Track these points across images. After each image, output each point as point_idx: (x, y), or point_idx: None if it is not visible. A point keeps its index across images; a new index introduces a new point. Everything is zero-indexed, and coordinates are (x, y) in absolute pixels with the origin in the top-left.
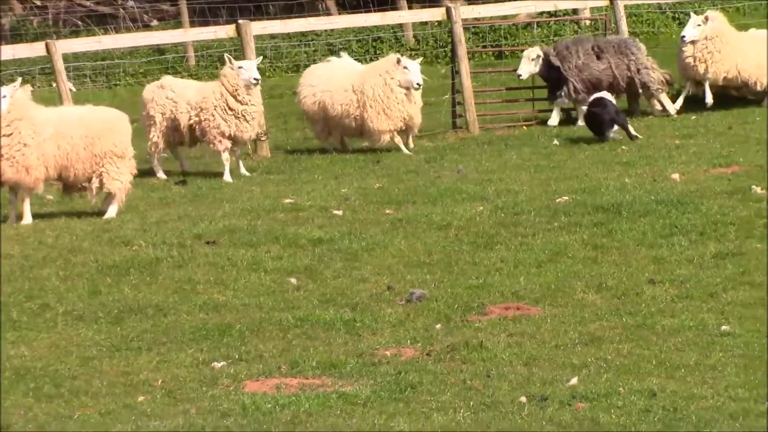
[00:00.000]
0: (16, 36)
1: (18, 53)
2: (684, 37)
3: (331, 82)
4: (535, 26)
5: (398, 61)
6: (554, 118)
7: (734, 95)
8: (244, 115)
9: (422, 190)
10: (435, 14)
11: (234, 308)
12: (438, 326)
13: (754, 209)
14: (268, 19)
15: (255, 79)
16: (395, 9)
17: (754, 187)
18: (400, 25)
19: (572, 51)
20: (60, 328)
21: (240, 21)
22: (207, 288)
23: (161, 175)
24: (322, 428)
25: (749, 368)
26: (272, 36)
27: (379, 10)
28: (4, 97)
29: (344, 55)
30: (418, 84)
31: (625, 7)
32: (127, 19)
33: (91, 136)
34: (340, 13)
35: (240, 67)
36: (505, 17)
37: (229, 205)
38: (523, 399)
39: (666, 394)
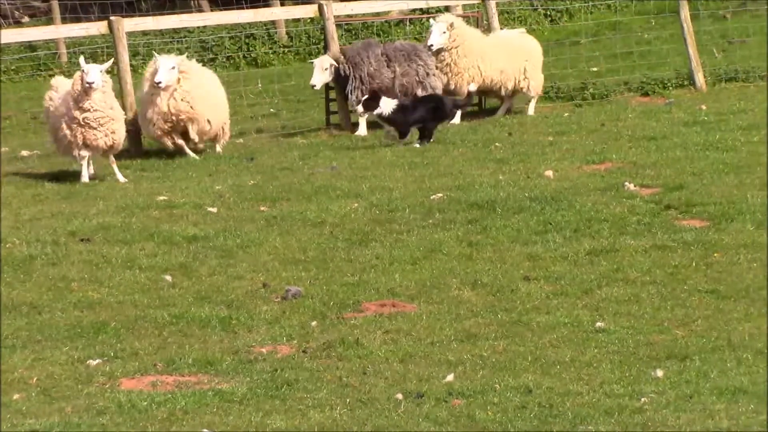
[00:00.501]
0: None
1: None
2: (431, 45)
3: None
4: (408, 23)
5: None
6: (362, 128)
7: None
8: (87, 123)
9: (297, 188)
10: (308, 11)
11: (109, 306)
12: (314, 323)
13: (627, 206)
14: (140, 15)
15: (88, 83)
16: (268, 6)
17: (626, 183)
18: (273, 22)
19: (363, 58)
20: None
21: (112, 17)
22: (82, 285)
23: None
24: (198, 426)
25: (624, 364)
26: (144, 33)
27: (251, 7)
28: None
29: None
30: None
31: (497, 4)
32: None
33: None
34: (212, 10)
35: (83, 70)
36: (377, 14)
37: (103, 203)
38: (400, 396)
39: (542, 390)
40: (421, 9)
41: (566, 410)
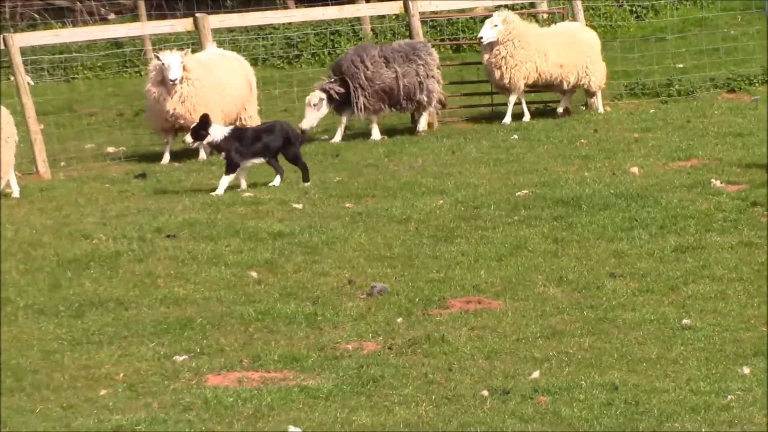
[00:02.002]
0: None
1: None
2: (482, 39)
3: None
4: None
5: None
6: (338, 136)
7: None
8: None
9: (382, 184)
10: (393, 8)
11: (195, 302)
12: (399, 320)
13: (713, 202)
14: (225, 12)
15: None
16: (353, 2)
17: (713, 180)
18: (358, 19)
19: (357, 64)
20: (21, 321)
21: (197, 14)
22: (168, 282)
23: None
24: (284, 422)
25: (710, 362)
26: (230, 29)
27: (336, 4)
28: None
29: None
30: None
31: (583, 0)
32: (84, 13)
33: None
34: (297, 7)
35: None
36: (462, 11)
37: (188, 199)
38: (485, 392)
39: (627, 387)
40: (506, 5)
41: (652, 407)
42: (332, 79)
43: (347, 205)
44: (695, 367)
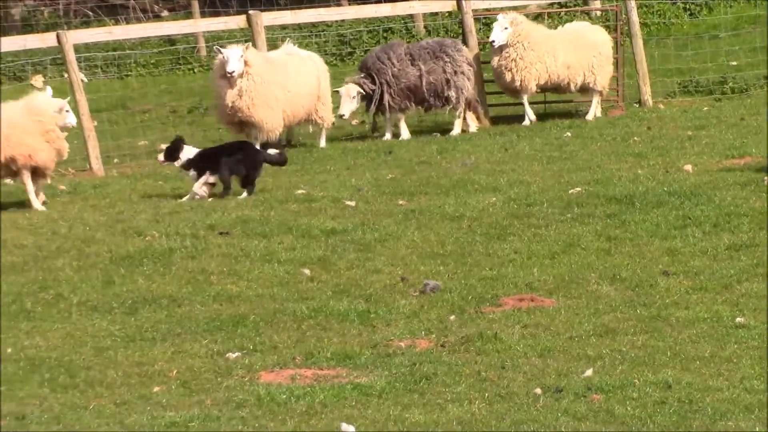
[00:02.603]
0: (27, 26)
1: (29, 44)
2: (493, 42)
3: None
4: (546, 17)
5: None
6: (404, 132)
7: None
8: None
9: (434, 181)
10: (446, 5)
11: (248, 299)
12: (452, 317)
13: (767, 200)
14: (278, 9)
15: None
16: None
17: (766, 178)
18: (411, 16)
19: (384, 61)
20: (74, 318)
21: (250, 12)
22: (221, 279)
23: None
24: (336, 420)
25: (764, 360)
26: (283, 27)
27: (389, 1)
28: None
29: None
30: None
31: None
32: (138, 10)
33: None
34: (350, 4)
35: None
36: (515, 8)
37: (242, 197)
38: (538, 390)
39: (681, 386)
40: (559, 3)
41: (706, 406)
42: (362, 75)
43: (400, 202)
44: (749, 365)
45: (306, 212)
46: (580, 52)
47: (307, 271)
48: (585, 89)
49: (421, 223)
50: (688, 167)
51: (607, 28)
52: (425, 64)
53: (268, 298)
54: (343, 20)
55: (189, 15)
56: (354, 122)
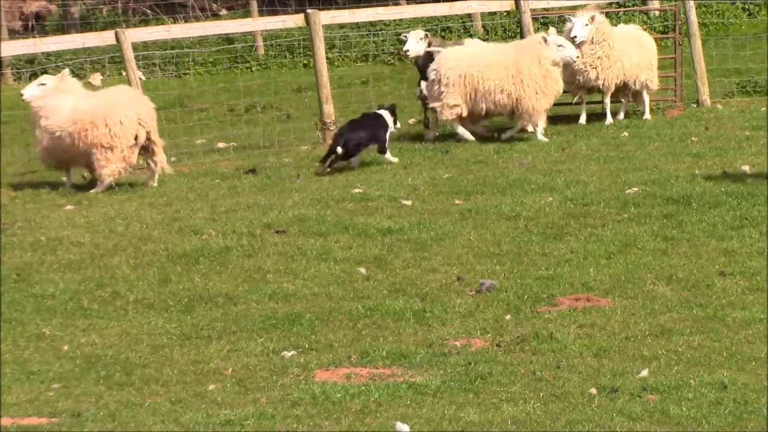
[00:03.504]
0: (85, 25)
1: (87, 42)
2: (576, 37)
3: (480, 58)
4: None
5: (545, 41)
6: (431, 134)
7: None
8: None
9: (491, 181)
10: (504, 5)
11: (303, 297)
12: (508, 317)
13: None
14: (336, 8)
15: None
16: None
17: None
18: (469, 15)
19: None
20: (130, 316)
21: (309, 10)
22: (276, 277)
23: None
24: (392, 419)
25: None
26: (341, 26)
27: (447, 0)
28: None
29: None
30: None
31: None
32: (196, 8)
33: None
34: (408, 3)
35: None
36: (573, 8)
37: (298, 195)
38: (594, 390)
39: (737, 386)
40: (617, 2)
41: (761, 407)
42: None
43: (456, 201)
44: None
45: (362, 211)
46: (643, 52)
47: (363, 270)
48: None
49: (478, 223)
50: (746, 167)
51: (665, 27)
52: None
53: (324, 296)
54: (401, 19)
55: (247, 14)
56: (411, 121)
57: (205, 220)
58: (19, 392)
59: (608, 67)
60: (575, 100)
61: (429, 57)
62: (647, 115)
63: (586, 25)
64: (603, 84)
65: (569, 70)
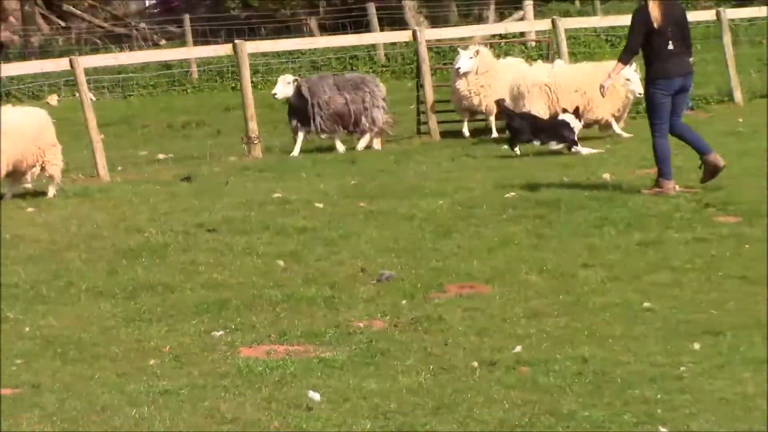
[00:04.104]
0: (44, 53)
1: (45, 67)
2: (459, 68)
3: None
4: (489, 47)
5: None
6: (297, 149)
7: None
8: None
9: (390, 187)
10: (403, 36)
11: (230, 286)
12: (404, 302)
13: (672, 204)
14: (260, 39)
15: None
16: (369, 31)
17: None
18: (373, 45)
19: (320, 87)
20: (83, 302)
21: (236, 41)
22: (208, 269)
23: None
24: (305, 387)
25: (666, 339)
26: (264, 54)
27: (355, 32)
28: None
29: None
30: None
31: (566, 30)
32: (140, 39)
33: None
34: (321, 35)
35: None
36: (462, 39)
37: (227, 199)
38: (475, 364)
39: (596, 360)
40: (500, 34)
41: (616, 377)
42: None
43: (361, 204)
44: (653, 343)
45: (281, 213)
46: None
47: (281, 263)
48: None
49: (379, 223)
50: (607, 176)
51: (540, 56)
52: (349, 94)
53: (248, 285)
54: (315, 49)
55: (183, 43)
56: (323, 136)
57: (146, 221)
58: None
59: (490, 94)
60: (462, 118)
61: (300, 96)
62: None
63: (471, 57)
64: (486, 108)
65: (456, 95)
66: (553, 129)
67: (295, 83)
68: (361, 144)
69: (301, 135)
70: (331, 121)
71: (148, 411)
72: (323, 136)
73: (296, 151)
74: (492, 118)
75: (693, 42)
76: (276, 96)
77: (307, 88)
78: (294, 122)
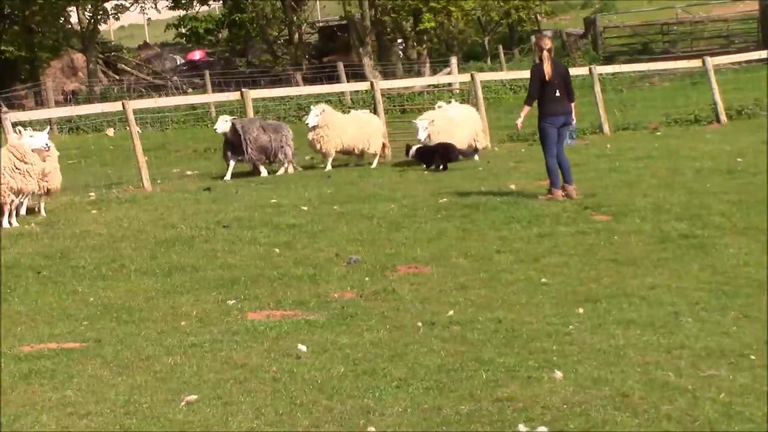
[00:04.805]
0: (103, 98)
1: (105, 109)
2: (309, 124)
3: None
4: (426, 93)
5: None
6: (229, 174)
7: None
8: (28, 172)
9: (356, 194)
10: (363, 86)
11: (240, 267)
12: (367, 279)
13: (560, 206)
14: (261, 88)
15: (45, 144)
16: (339, 82)
17: (539, 196)
18: (342, 92)
19: (249, 128)
20: (132, 279)
21: (243, 90)
22: (223, 255)
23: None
24: (295, 342)
25: (558, 305)
26: (263, 98)
27: (328, 83)
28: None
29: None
30: None
31: (481, 81)
32: (173, 88)
33: None
34: (304, 85)
35: (31, 137)
36: (407, 87)
37: (237, 203)
38: (420, 324)
39: (507, 321)
40: (433, 84)
41: (523, 333)
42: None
43: (335, 207)
44: (549, 308)
45: (277, 213)
46: (361, 129)
47: (277, 250)
48: (362, 153)
49: (348, 221)
50: (513, 186)
51: (463, 99)
52: (271, 135)
53: (253, 266)
54: (300, 94)
55: (204, 91)
56: (307, 157)
57: (178, 219)
58: (62, 327)
59: (327, 141)
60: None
61: (235, 132)
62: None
63: (317, 115)
64: (325, 152)
65: (311, 140)
66: None
67: (231, 122)
68: (281, 171)
69: (232, 163)
70: (258, 152)
71: (180, 359)
72: (251, 163)
73: (228, 176)
74: (330, 160)
75: (574, 90)
76: (217, 131)
77: (241, 127)
78: (228, 153)
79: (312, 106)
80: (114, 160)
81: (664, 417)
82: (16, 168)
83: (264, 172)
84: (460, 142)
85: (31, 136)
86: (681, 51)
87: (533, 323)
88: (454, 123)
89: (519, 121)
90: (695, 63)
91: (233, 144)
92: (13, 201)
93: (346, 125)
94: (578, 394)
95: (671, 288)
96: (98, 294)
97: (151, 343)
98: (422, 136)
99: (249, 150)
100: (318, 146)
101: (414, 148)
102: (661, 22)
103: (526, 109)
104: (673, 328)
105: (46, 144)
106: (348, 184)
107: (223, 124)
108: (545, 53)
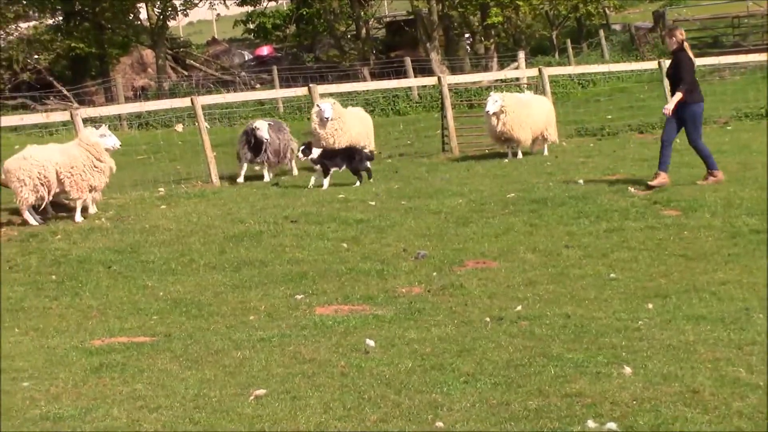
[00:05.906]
0: (172, 94)
1: (174, 104)
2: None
3: None
4: (493, 88)
5: None
6: (242, 177)
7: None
8: (103, 170)
9: (424, 190)
10: (431, 80)
11: (308, 262)
12: (435, 273)
13: (629, 201)
14: (328, 83)
15: (114, 145)
16: (406, 77)
17: (629, 188)
18: (410, 87)
19: (270, 131)
20: (201, 274)
21: (310, 85)
22: (291, 249)
23: (33, 221)
24: (363, 336)
25: (627, 300)
26: (330, 94)
27: (395, 78)
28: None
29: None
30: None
31: (549, 75)
32: (241, 83)
33: None
34: (372, 80)
35: (103, 135)
36: (474, 82)
37: (304, 199)
38: (488, 319)
39: (576, 316)
40: (501, 78)
41: (591, 329)
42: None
43: (402, 202)
44: (618, 303)
45: (344, 208)
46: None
47: (345, 245)
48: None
49: (416, 216)
50: (581, 180)
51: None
52: (280, 135)
53: (321, 261)
54: (367, 89)
55: (272, 87)
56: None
57: (247, 214)
58: (132, 322)
59: (341, 136)
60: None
61: (256, 137)
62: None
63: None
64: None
65: (316, 137)
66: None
67: (256, 129)
68: (295, 172)
69: (244, 165)
70: (273, 154)
71: (249, 353)
72: (270, 165)
73: (241, 179)
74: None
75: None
76: (263, 131)
77: (265, 132)
78: (249, 154)
79: (320, 105)
80: (183, 156)
81: (735, 414)
82: (95, 166)
83: (267, 176)
84: (533, 126)
85: (102, 135)
86: (752, 44)
87: (602, 319)
88: (526, 105)
89: (670, 107)
90: (766, 57)
91: (254, 146)
92: (86, 197)
93: (355, 121)
94: (648, 390)
95: (742, 283)
96: (168, 288)
97: (220, 337)
98: (491, 108)
99: (270, 153)
100: (330, 141)
101: (317, 150)
102: (732, 14)
103: (679, 96)
104: (744, 324)
105: (115, 145)
106: (416, 178)
107: (264, 130)
108: (686, 43)
